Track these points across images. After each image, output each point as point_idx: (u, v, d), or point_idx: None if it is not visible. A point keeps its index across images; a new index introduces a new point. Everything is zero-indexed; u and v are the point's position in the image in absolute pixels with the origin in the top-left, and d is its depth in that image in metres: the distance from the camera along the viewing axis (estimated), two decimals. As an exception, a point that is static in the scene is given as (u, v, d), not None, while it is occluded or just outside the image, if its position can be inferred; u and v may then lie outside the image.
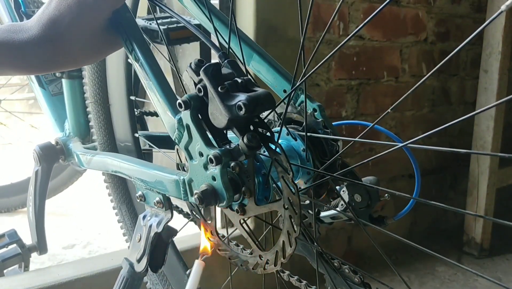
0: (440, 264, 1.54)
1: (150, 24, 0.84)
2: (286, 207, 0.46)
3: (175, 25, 0.84)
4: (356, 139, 0.47)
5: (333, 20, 1.33)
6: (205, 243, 0.58)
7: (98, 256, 1.34)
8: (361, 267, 0.60)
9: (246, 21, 1.18)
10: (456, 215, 1.74)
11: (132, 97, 0.85)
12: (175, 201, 0.60)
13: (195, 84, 0.48)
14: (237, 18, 1.20)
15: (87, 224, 1.67)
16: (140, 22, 0.85)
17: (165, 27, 0.84)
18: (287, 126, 0.58)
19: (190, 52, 1.29)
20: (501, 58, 1.52)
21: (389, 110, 0.41)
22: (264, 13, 1.17)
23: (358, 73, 1.43)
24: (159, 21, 0.86)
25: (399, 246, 1.55)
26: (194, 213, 0.61)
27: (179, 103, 0.48)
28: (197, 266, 0.55)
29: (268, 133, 0.47)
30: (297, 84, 0.49)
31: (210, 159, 0.47)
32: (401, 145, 0.41)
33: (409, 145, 0.40)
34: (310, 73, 0.46)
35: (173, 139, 0.52)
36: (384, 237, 0.52)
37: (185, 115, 0.49)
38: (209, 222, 0.60)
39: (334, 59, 1.36)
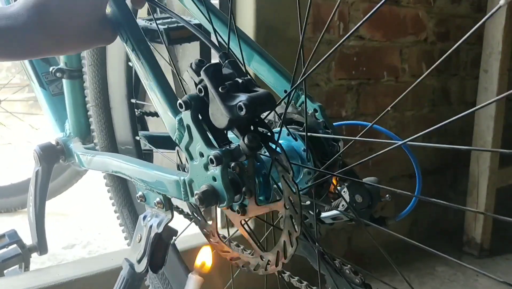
0: (440, 264, 1.54)
1: (151, 24, 0.84)
2: (286, 206, 0.46)
3: (175, 24, 0.84)
4: (356, 138, 0.47)
5: (333, 20, 1.33)
6: (204, 259, 0.56)
7: (98, 256, 1.34)
8: (361, 267, 0.60)
9: (246, 21, 1.18)
10: (457, 214, 1.74)
11: (133, 100, 0.85)
12: (175, 202, 0.60)
13: (196, 85, 0.48)
14: (237, 18, 1.20)
15: (87, 224, 1.67)
16: (140, 22, 0.84)
17: (166, 27, 0.84)
18: (288, 127, 0.58)
19: (190, 52, 1.29)
20: (501, 58, 1.52)
21: (388, 108, 0.41)
22: (264, 13, 1.17)
23: (358, 73, 1.43)
24: (159, 21, 0.86)
25: (400, 246, 1.55)
26: (195, 214, 0.61)
27: (180, 104, 0.48)
28: (193, 281, 0.53)
29: (268, 134, 0.47)
30: (297, 83, 0.49)
31: (211, 159, 0.47)
32: (400, 142, 0.41)
33: (408, 142, 0.41)
34: (309, 72, 0.46)
35: (173, 139, 0.52)
36: (385, 237, 0.52)
37: (186, 116, 0.49)
38: (210, 222, 0.60)
39: (334, 59, 1.36)
